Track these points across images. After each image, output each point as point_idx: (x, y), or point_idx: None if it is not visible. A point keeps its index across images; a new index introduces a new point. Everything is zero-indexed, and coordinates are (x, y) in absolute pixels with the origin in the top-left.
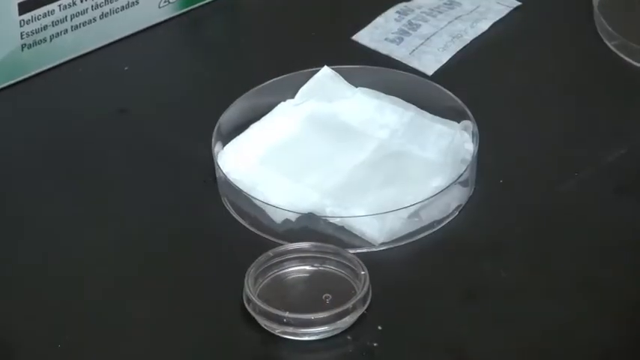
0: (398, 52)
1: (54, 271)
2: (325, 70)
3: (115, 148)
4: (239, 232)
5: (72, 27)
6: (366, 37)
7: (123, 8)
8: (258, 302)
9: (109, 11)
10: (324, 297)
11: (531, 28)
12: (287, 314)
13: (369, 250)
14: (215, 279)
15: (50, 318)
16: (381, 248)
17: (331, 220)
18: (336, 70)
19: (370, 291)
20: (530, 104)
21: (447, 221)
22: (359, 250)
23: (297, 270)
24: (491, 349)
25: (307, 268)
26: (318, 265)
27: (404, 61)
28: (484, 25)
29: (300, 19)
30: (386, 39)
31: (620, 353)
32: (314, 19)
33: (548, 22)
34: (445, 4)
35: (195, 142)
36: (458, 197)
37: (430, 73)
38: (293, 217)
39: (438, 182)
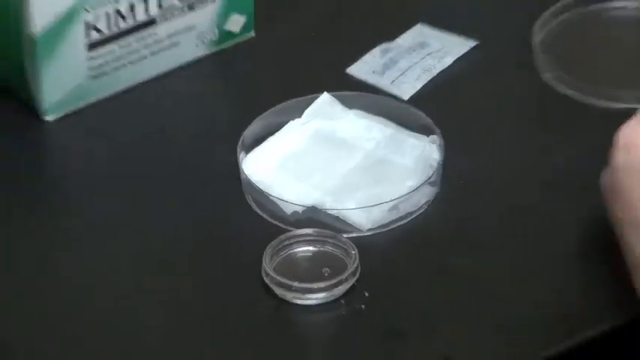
0: (382, 82)
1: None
2: (325, 96)
3: (161, 157)
4: (258, 221)
5: (129, 62)
6: (357, 70)
7: (167, 48)
8: (274, 275)
9: (156, 50)
10: (323, 271)
11: (486, 62)
12: (295, 284)
13: (358, 235)
14: (239, 258)
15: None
16: (368, 233)
17: (330, 212)
18: (333, 96)
19: (359, 266)
20: (484, 122)
21: (418, 213)
22: (351, 235)
23: (303, 250)
24: (452, 311)
25: (311, 248)
26: (320, 246)
27: (386, 89)
28: (449, 60)
29: (306, 56)
30: (373, 72)
31: (579, 330)
32: (317, 56)
33: (499, 57)
34: (418, 44)
35: (225, 151)
36: (427, 195)
37: (406, 98)
38: (300, 209)
39: (411, 183)
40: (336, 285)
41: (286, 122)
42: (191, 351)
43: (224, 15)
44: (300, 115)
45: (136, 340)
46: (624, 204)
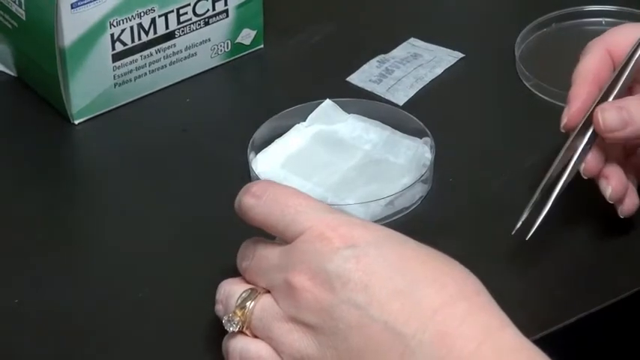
0: (378, 90)
1: (139, 248)
2: (327, 102)
3: (178, 158)
4: None
5: (150, 71)
6: (356, 78)
7: (185, 58)
8: None
9: (175, 60)
10: None
11: (472, 72)
12: None
13: None
14: None
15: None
16: None
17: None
18: (335, 101)
19: None
20: (471, 125)
21: (412, 208)
22: None
23: None
24: None
25: None
26: None
27: (383, 96)
28: (439, 70)
29: (310, 66)
30: (370, 80)
31: (566, 316)
32: (320, 66)
33: (483, 68)
34: (411, 55)
35: (236, 151)
36: (420, 191)
37: (401, 104)
38: None
39: (406, 180)
40: None
41: (292, 125)
42: (202, 342)
43: (236, 29)
44: (304, 119)
45: (147, 337)
46: None
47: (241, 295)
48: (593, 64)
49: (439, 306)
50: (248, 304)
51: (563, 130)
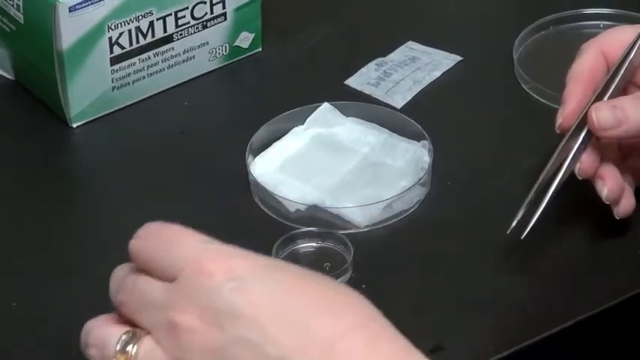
0: (376, 93)
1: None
2: (325, 105)
3: (176, 161)
4: (265, 219)
5: (148, 74)
6: (354, 81)
7: (183, 61)
8: None
9: (173, 63)
10: (324, 265)
11: (471, 75)
12: None
13: (356, 231)
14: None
15: None
16: (365, 230)
17: (329, 210)
18: (333, 105)
19: (356, 260)
20: (470, 129)
21: (410, 211)
22: (349, 231)
23: (306, 246)
24: (442, 301)
25: (313, 244)
26: (321, 242)
27: (381, 99)
28: (437, 73)
29: (308, 69)
30: (368, 83)
31: (567, 317)
32: (318, 69)
33: (481, 71)
34: (409, 58)
35: (234, 155)
36: (418, 194)
37: (399, 107)
38: (303, 207)
39: (404, 183)
40: (335, 277)
41: (290, 128)
42: None
43: (234, 33)
44: (302, 122)
45: None
46: None
47: (121, 337)
48: (587, 65)
49: (338, 337)
50: (130, 348)
51: (558, 131)
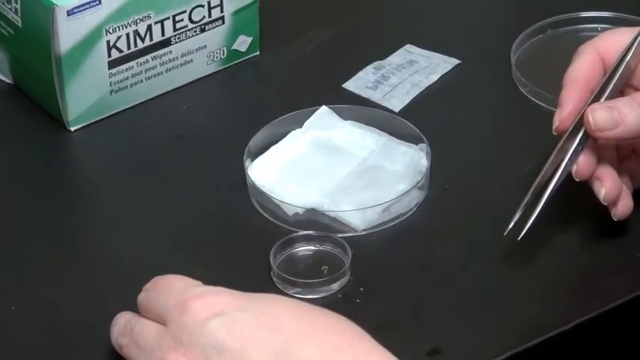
0: (374, 96)
1: (135, 254)
2: (323, 108)
3: (174, 164)
4: (263, 222)
5: (146, 78)
6: (352, 85)
7: (181, 65)
8: (278, 271)
9: (171, 67)
10: (322, 268)
11: (468, 78)
12: (298, 280)
13: (354, 235)
14: (246, 256)
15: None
16: (363, 233)
17: (327, 213)
18: (331, 108)
19: (354, 264)
20: (467, 132)
21: (408, 214)
22: (347, 235)
23: (305, 249)
24: (440, 304)
25: (311, 247)
26: (319, 245)
27: (379, 102)
28: (435, 77)
29: (306, 73)
30: (366, 87)
31: (564, 321)
32: (316, 73)
33: (479, 74)
34: (407, 62)
35: (232, 158)
36: (416, 197)
37: (397, 110)
38: (301, 211)
39: (402, 187)
40: (333, 280)
41: (288, 132)
42: None
43: (232, 36)
44: (300, 125)
45: None
46: None
47: None
48: (584, 68)
49: (325, 359)
50: None
51: (555, 133)
